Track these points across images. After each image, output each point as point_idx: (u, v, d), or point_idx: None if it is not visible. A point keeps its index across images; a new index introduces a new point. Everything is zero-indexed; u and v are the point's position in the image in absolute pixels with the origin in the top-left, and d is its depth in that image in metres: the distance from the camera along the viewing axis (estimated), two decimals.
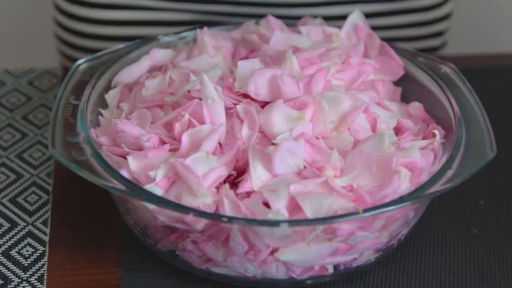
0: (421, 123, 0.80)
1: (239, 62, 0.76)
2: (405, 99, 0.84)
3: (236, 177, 0.70)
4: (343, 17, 0.87)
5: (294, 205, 0.67)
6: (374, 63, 0.81)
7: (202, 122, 0.72)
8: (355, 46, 0.83)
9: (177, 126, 0.72)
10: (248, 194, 0.68)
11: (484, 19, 1.47)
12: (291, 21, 0.88)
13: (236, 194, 0.68)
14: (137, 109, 0.76)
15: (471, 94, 0.80)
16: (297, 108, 0.73)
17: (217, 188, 0.69)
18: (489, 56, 1.06)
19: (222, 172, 0.69)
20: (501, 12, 1.48)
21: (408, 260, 0.77)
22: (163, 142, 0.72)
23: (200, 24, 0.95)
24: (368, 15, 0.93)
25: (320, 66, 0.76)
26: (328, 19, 0.92)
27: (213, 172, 0.68)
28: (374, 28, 0.86)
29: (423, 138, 0.77)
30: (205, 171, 0.68)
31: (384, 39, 0.85)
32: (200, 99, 0.73)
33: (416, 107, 0.81)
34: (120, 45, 0.85)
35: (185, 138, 0.71)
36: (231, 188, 0.68)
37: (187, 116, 0.72)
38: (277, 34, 0.82)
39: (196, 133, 0.71)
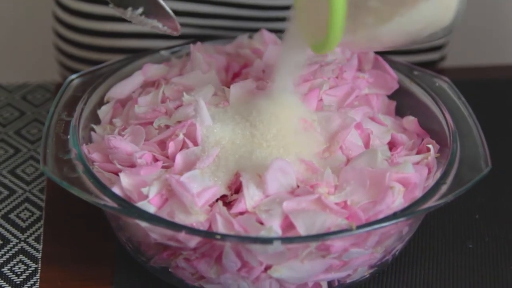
0: (416, 137, 0.80)
1: (232, 86, 0.76)
2: (399, 112, 0.83)
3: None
4: None
5: (288, 223, 0.66)
6: (368, 77, 0.81)
7: (195, 142, 0.72)
8: (349, 60, 0.82)
9: (171, 145, 0.72)
10: (242, 214, 0.68)
11: (483, 31, 1.47)
12: None
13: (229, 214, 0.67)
14: (130, 126, 0.76)
15: (465, 108, 0.80)
16: None
17: (211, 206, 0.68)
18: (487, 68, 1.06)
19: (216, 191, 0.68)
20: (501, 25, 1.48)
21: (403, 275, 0.76)
22: (156, 159, 0.72)
23: (198, 39, 0.95)
24: None
25: (313, 84, 0.76)
26: None
27: (207, 191, 0.68)
28: None
29: (418, 153, 0.77)
30: (200, 189, 0.68)
31: (382, 52, 0.85)
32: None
33: (410, 121, 0.80)
34: (113, 60, 0.84)
35: (179, 159, 0.70)
36: (224, 206, 0.68)
37: (181, 136, 0.72)
38: (270, 48, 0.81)
39: (189, 155, 0.71)
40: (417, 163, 0.74)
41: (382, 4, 0.65)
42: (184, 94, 0.76)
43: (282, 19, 0.99)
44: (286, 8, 0.98)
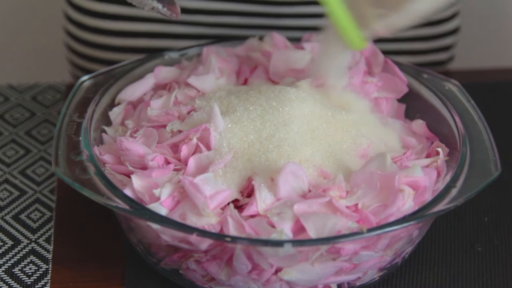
0: (425, 141, 0.80)
1: None
2: (409, 115, 0.84)
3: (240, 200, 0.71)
4: None
5: (299, 226, 0.67)
6: (376, 81, 0.81)
7: (208, 147, 0.72)
8: (357, 63, 0.82)
9: (184, 149, 0.72)
10: (253, 217, 0.68)
11: (491, 33, 1.47)
12: (299, 33, 0.87)
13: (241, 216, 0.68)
14: (142, 128, 0.76)
15: (475, 111, 0.80)
16: None
17: (222, 209, 0.69)
18: (495, 70, 1.06)
19: (228, 195, 0.69)
20: (509, 27, 1.48)
21: (413, 278, 0.77)
22: (167, 162, 0.72)
23: (209, 38, 0.96)
24: None
25: None
26: None
27: (220, 194, 0.68)
28: (381, 41, 0.85)
29: (427, 156, 0.77)
30: (212, 192, 0.68)
31: (391, 52, 0.85)
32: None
33: (419, 124, 0.80)
34: (124, 62, 0.85)
35: (192, 162, 0.71)
36: (235, 209, 0.68)
37: (195, 140, 0.72)
38: (275, 55, 0.82)
39: (202, 159, 0.71)
40: (427, 166, 0.75)
41: (384, 9, 0.67)
42: (196, 100, 0.77)
43: (293, 16, 0.99)
44: (297, 3, 0.98)
